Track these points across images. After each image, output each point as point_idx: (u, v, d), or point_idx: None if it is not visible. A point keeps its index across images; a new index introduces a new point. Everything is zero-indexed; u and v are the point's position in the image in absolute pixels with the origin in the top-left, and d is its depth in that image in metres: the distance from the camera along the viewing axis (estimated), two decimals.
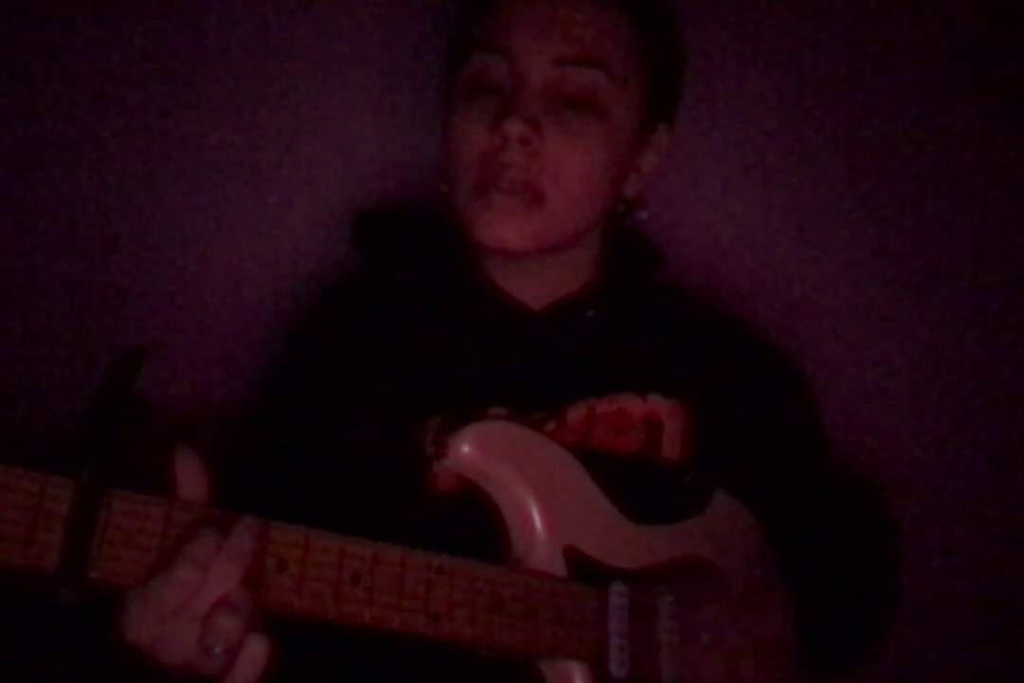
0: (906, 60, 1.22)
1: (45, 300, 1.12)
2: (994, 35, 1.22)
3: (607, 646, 0.83)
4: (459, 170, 0.92)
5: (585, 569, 0.84)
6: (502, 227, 0.90)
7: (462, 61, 0.94)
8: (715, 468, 0.97)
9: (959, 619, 1.23)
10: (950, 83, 1.22)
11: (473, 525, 0.85)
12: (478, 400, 0.93)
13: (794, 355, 1.09)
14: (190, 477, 0.68)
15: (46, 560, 0.62)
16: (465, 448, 0.82)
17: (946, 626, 1.23)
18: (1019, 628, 1.24)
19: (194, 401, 1.14)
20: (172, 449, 0.69)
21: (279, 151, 1.16)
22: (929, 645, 1.22)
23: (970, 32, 1.22)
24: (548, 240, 0.92)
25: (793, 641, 0.89)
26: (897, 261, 1.23)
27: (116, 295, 1.13)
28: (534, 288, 0.98)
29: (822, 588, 0.95)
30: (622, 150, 0.94)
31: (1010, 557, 1.24)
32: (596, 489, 0.88)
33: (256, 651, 0.68)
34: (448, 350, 0.96)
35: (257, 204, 1.16)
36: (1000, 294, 1.24)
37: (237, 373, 1.14)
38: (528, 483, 0.84)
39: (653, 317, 1.02)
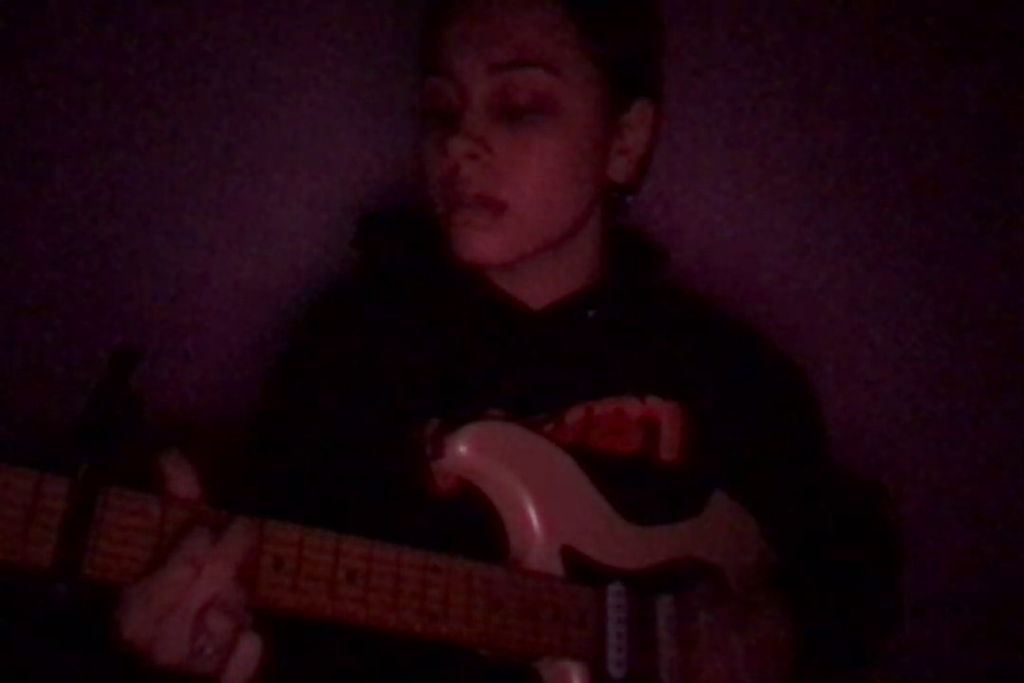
0: (907, 58, 1.22)
1: (44, 301, 1.13)
2: (994, 34, 1.22)
3: (605, 646, 0.83)
4: (430, 194, 0.93)
5: (582, 569, 0.85)
6: (472, 242, 0.91)
7: (420, 86, 0.95)
8: (713, 469, 0.97)
9: (959, 619, 1.23)
10: (950, 81, 1.22)
11: (471, 525, 0.85)
12: (477, 401, 0.93)
13: (795, 356, 1.09)
14: (181, 479, 0.69)
15: (42, 557, 0.62)
16: (462, 448, 0.83)
17: (946, 626, 1.23)
18: (1019, 628, 1.24)
19: (195, 402, 1.14)
20: (157, 455, 0.69)
21: (279, 152, 1.17)
22: (929, 645, 1.21)
23: (971, 30, 1.22)
24: (524, 247, 0.92)
25: (791, 642, 0.89)
26: (898, 261, 1.23)
27: (116, 297, 1.14)
28: (534, 288, 0.98)
29: (821, 590, 0.95)
30: (586, 140, 0.93)
31: (1010, 557, 1.23)
32: (593, 490, 0.88)
33: (249, 651, 0.68)
34: (448, 351, 0.96)
35: (257, 205, 1.17)
36: (1000, 293, 1.24)
37: (237, 374, 1.14)
38: (525, 483, 0.84)
39: (653, 318, 1.02)
